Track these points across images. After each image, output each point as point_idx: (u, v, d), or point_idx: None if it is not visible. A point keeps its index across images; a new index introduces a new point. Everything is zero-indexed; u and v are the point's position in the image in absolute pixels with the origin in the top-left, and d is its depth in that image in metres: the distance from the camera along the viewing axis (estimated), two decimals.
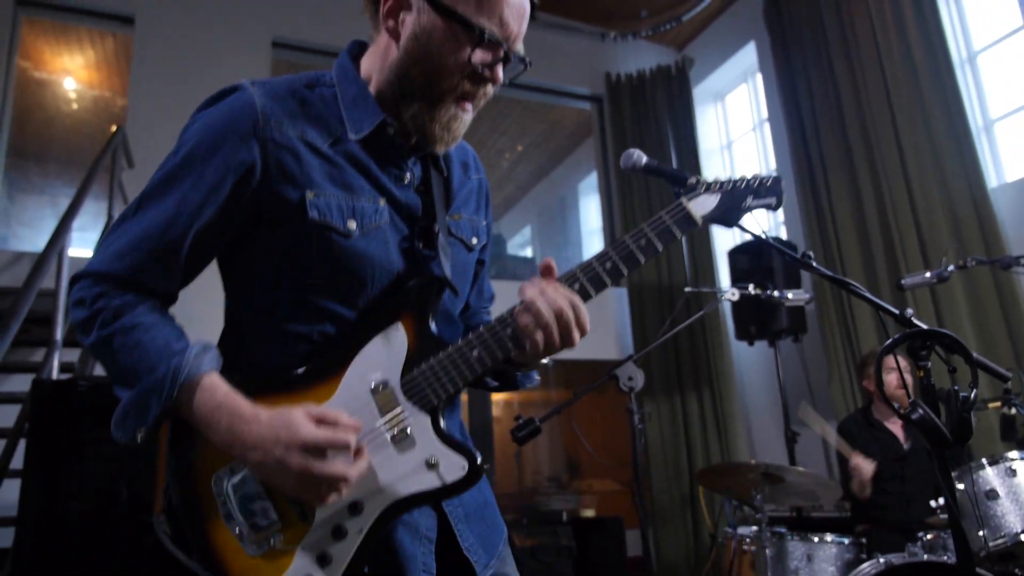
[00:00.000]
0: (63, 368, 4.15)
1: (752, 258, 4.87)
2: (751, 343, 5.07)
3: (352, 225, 1.13)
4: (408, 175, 1.21)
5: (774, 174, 1.36)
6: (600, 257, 1.16)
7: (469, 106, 1.18)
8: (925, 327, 1.52)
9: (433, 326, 1.14)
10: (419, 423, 1.10)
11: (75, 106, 7.91)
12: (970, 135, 4.49)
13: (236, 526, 1.05)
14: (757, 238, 1.49)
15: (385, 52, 1.19)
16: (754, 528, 3.38)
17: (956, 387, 1.50)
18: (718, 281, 6.21)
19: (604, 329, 6.39)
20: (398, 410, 1.10)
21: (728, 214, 1.26)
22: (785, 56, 5.81)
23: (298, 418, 1.02)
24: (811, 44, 5.58)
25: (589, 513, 5.63)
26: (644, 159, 1.55)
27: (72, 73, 7.41)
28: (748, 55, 6.61)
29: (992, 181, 4.58)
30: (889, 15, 4.97)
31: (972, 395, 1.48)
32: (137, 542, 2.83)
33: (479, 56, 1.13)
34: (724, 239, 6.41)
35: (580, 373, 7.00)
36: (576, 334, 1.10)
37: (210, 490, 1.07)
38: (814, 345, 5.29)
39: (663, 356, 6.29)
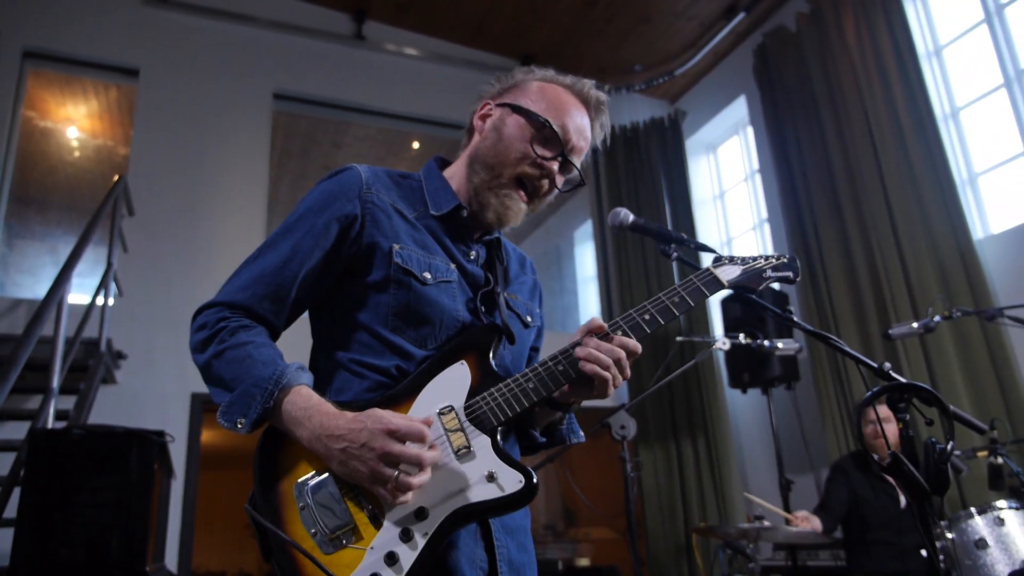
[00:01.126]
0: (58, 416, 4.17)
1: (744, 307, 4.94)
2: (744, 391, 5.11)
3: (427, 276, 1.33)
4: (474, 253, 1.43)
5: (789, 254, 1.55)
6: (638, 309, 1.34)
7: (525, 196, 1.41)
8: (903, 380, 1.57)
9: (494, 364, 1.29)
10: (480, 442, 1.22)
11: (77, 155, 8.04)
12: (955, 188, 4.61)
13: (313, 527, 1.15)
14: (746, 296, 1.56)
15: (469, 150, 1.48)
16: None
17: (933, 439, 1.56)
18: (711, 329, 6.27)
19: None
20: (461, 429, 1.22)
21: (750, 281, 1.45)
22: (774, 110, 5.98)
23: (382, 411, 1.15)
24: (799, 99, 5.74)
25: (585, 562, 5.60)
26: (631, 218, 1.64)
27: (75, 122, 7.55)
28: (739, 108, 6.79)
29: (978, 233, 4.69)
30: (874, 72, 5.14)
31: (948, 447, 1.54)
32: None
33: (539, 149, 1.39)
34: None
35: None
36: (625, 372, 1.28)
37: (291, 494, 1.18)
38: (807, 392, 5.34)
39: (658, 404, 6.32)
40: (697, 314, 6.25)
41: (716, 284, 1.40)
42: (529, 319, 1.49)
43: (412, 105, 6.86)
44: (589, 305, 7.73)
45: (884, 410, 3.85)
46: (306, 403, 1.17)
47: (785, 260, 1.50)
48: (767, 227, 6.37)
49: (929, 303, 4.46)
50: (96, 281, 4.84)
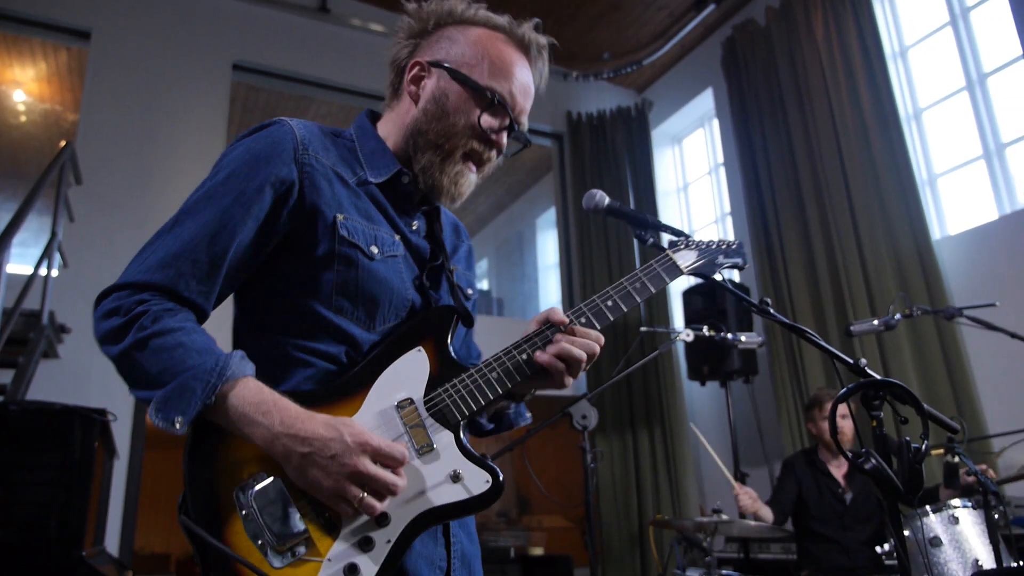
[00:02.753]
0: None
1: (706, 299, 4.93)
2: (703, 383, 5.11)
3: (374, 249, 1.22)
4: (416, 223, 1.33)
5: (738, 240, 1.53)
6: (602, 295, 1.29)
7: (475, 167, 1.32)
8: (878, 377, 1.54)
9: (452, 351, 1.20)
10: (442, 438, 1.14)
11: (23, 119, 7.69)
12: (916, 188, 4.65)
13: (259, 537, 1.03)
14: (717, 283, 1.51)
15: (404, 115, 1.33)
16: (703, 571, 3.37)
17: (907, 438, 1.52)
18: (672, 321, 6.27)
19: None
20: (422, 425, 1.14)
21: (705, 267, 1.42)
22: (741, 103, 5.97)
23: (359, 425, 1.06)
24: (766, 93, 5.74)
25: (538, 551, 5.56)
26: (606, 200, 1.58)
27: (22, 85, 7.21)
28: (706, 101, 6.78)
29: (936, 233, 4.74)
30: (841, 69, 5.15)
31: (923, 446, 1.51)
32: None
33: (487, 120, 1.29)
34: (678, 280, 6.50)
35: (533, 409, 6.97)
36: (584, 366, 1.22)
37: (231, 499, 1.05)
38: (764, 387, 5.36)
39: (616, 394, 6.30)
40: (658, 306, 6.24)
41: (674, 270, 1.38)
42: (470, 291, 1.40)
43: (376, 82, 6.64)
44: (550, 292, 7.68)
45: (841, 407, 3.87)
46: (257, 397, 1.05)
47: (734, 246, 1.49)
48: (729, 220, 6.38)
49: (888, 301, 4.50)
50: (40, 251, 4.60)
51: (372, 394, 1.14)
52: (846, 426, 3.81)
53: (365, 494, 1.02)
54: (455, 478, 1.11)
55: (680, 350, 5.90)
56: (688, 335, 3.38)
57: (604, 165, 7.03)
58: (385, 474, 1.03)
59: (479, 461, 1.13)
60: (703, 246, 1.44)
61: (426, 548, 1.18)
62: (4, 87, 7.24)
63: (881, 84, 4.92)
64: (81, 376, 4.87)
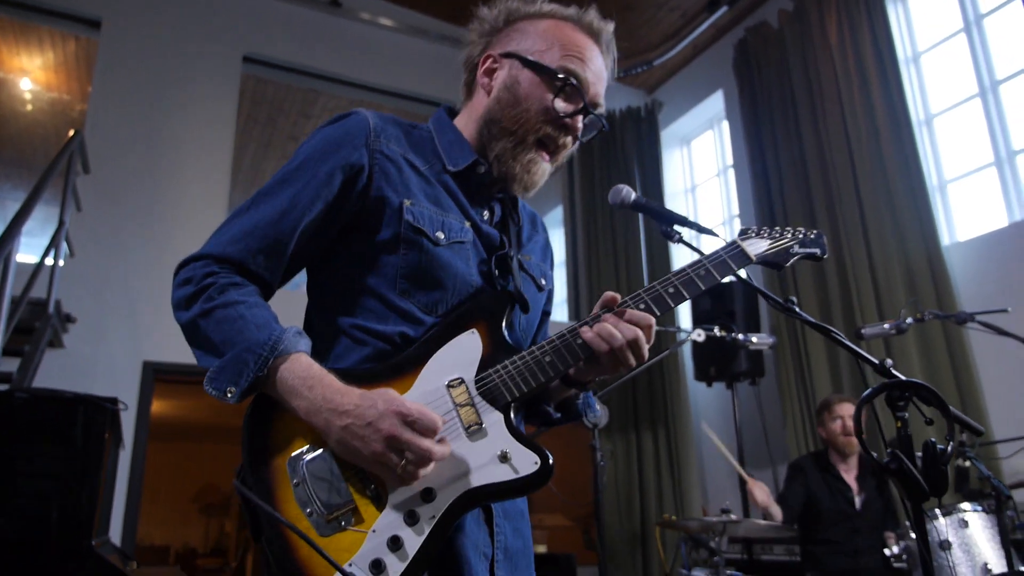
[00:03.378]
0: (1, 378, 3.95)
1: (714, 300, 4.93)
2: (710, 384, 5.11)
3: (440, 235, 1.24)
4: (488, 212, 1.35)
5: (817, 230, 1.49)
6: (662, 282, 1.26)
7: (548, 156, 1.32)
8: (904, 378, 1.53)
9: (506, 334, 1.20)
10: (492, 418, 1.14)
11: (30, 108, 7.67)
12: (927, 193, 4.65)
13: (309, 506, 1.06)
14: (744, 281, 1.51)
15: (478, 107, 1.36)
16: (710, 571, 3.37)
17: (933, 440, 1.52)
18: (678, 322, 6.26)
19: None
20: (472, 404, 1.14)
21: (778, 257, 1.40)
22: (752, 106, 5.97)
23: (395, 393, 1.07)
24: (777, 96, 5.74)
25: (541, 549, 5.56)
26: (633, 195, 1.57)
27: (30, 74, 7.20)
28: (716, 102, 6.77)
29: (945, 239, 4.74)
30: (854, 73, 5.15)
31: (949, 448, 1.50)
32: (66, 569, 2.66)
33: (560, 104, 1.29)
34: None
35: None
36: (644, 351, 1.20)
37: (284, 469, 1.09)
38: (770, 389, 5.36)
39: (621, 394, 6.30)
40: None
41: (743, 258, 1.34)
42: (543, 282, 1.42)
43: (384, 77, 6.68)
44: (556, 291, 7.67)
45: (847, 408, 3.88)
46: (306, 372, 1.08)
47: (812, 235, 1.45)
48: (737, 223, 6.38)
49: (897, 306, 4.50)
50: (47, 240, 4.59)
51: (424, 374, 1.15)
52: (851, 429, 3.82)
53: (404, 461, 1.03)
54: (503, 458, 1.10)
55: (687, 351, 5.90)
56: (700, 335, 3.38)
57: (612, 164, 7.02)
58: (420, 439, 1.03)
59: (528, 442, 1.12)
60: (777, 235, 1.42)
61: (474, 534, 1.18)
62: (11, 75, 7.23)
63: (894, 89, 4.91)
64: (86, 366, 4.87)
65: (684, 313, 6.32)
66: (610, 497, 6.03)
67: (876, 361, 1.54)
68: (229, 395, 1.07)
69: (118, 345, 5.02)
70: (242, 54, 6.12)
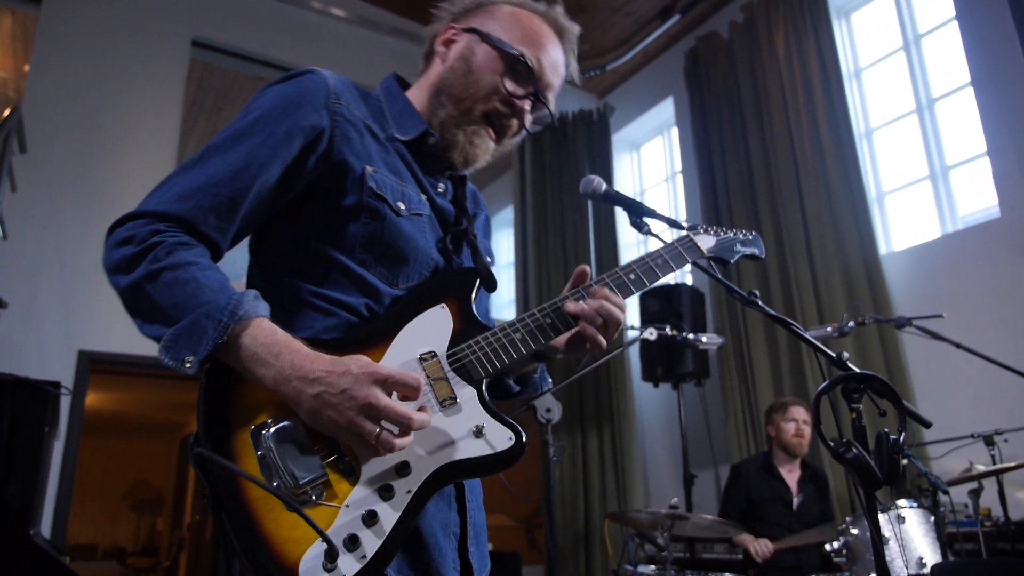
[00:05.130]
0: None
1: (663, 301, 5.01)
2: (656, 385, 5.19)
3: (401, 206, 1.21)
4: (442, 186, 1.33)
5: (753, 232, 1.59)
6: (624, 268, 1.32)
7: (493, 133, 1.32)
8: (860, 371, 1.59)
9: (475, 310, 1.20)
10: (465, 393, 1.13)
11: None
12: (866, 204, 4.83)
13: (275, 478, 1.00)
14: (713, 275, 1.54)
15: (431, 76, 1.35)
16: (656, 567, 3.42)
17: (886, 430, 1.58)
18: (626, 321, 6.35)
19: None
20: (445, 378, 1.13)
21: (724, 252, 1.47)
22: (701, 113, 6.10)
23: (368, 359, 1.02)
24: (726, 105, 5.88)
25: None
26: (604, 186, 1.60)
27: None
28: (666, 109, 6.89)
29: (882, 248, 4.93)
30: (799, 86, 5.31)
31: (901, 438, 1.57)
32: (2, 557, 2.54)
33: (511, 84, 1.30)
34: None
35: None
36: (613, 332, 1.25)
37: (247, 442, 1.03)
38: (714, 390, 5.48)
39: (566, 393, 6.34)
40: None
41: (695, 251, 1.42)
42: (488, 259, 1.41)
43: (335, 68, 6.44)
44: (503, 291, 7.68)
45: (799, 411, 4.00)
46: (270, 338, 1.03)
47: (751, 236, 1.54)
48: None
49: (836, 310, 4.66)
50: None
51: (394, 346, 1.13)
52: (806, 431, 3.95)
53: (381, 430, 0.99)
54: (478, 433, 1.10)
55: (633, 351, 5.98)
56: (652, 333, 3.44)
57: (564, 166, 7.08)
58: (399, 405, 1.00)
59: (502, 418, 1.12)
60: (722, 233, 1.49)
61: (440, 512, 1.17)
62: None
63: (837, 102, 5.09)
64: (16, 354, 4.65)
65: (631, 313, 6.41)
66: (555, 496, 6.05)
67: (834, 355, 1.60)
68: (187, 365, 1.00)
69: (52, 332, 4.82)
70: (191, 37, 5.95)
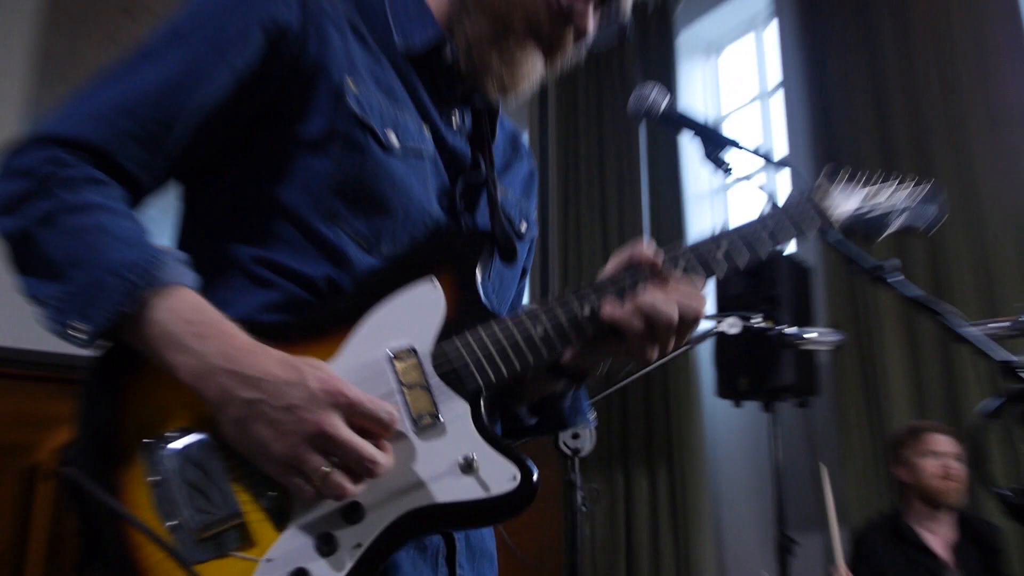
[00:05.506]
0: None
1: (749, 278, 4.96)
2: (738, 403, 5.15)
3: (392, 138, 1.24)
4: (457, 117, 1.37)
5: (928, 184, 1.58)
6: (707, 241, 1.33)
7: (541, 51, 1.35)
8: None
9: (481, 291, 1.22)
10: (453, 410, 1.15)
11: None
12: None
13: (173, 517, 1.04)
14: (843, 246, 1.50)
15: None
16: None
17: None
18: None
19: None
20: (425, 387, 1.15)
21: (873, 224, 1.48)
22: (811, 1, 6.01)
23: (331, 370, 1.06)
24: None
25: None
26: (664, 101, 1.59)
27: None
28: None
29: None
30: None
31: None
32: None
33: None
34: None
35: None
36: (681, 337, 1.26)
37: (138, 462, 1.07)
38: (826, 413, 5.45)
39: (603, 411, 6.32)
40: None
41: (823, 221, 1.43)
42: (524, 227, 1.47)
43: None
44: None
45: (944, 442, 3.95)
46: (195, 315, 1.08)
47: (924, 192, 1.53)
48: (785, 172, 6.43)
49: (1009, 296, 4.59)
50: None
51: (357, 336, 1.16)
52: (953, 471, 3.89)
53: (331, 468, 1.02)
54: (467, 467, 1.11)
55: (704, 354, 5.93)
56: (733, 325, 3.40)
57: (606, 80, 7.04)
58: (362, 443, 1.04)
59: (504, 447, 1.13)
60: (872, 189, 1.50)
61: (418, 573, 1.20)
62: None
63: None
64: None
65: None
66: (586, 563, 6.06)
67: (1008, 360, 1.56)
68: (77, 334, 1.04)
69: None
70: None
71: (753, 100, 7.07)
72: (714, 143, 1.52)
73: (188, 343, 1.05)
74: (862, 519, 4.79)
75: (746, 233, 1.35)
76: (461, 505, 1.10)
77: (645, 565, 6.06)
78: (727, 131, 1.50)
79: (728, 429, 6.26)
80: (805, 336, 3.52)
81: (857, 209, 1.46)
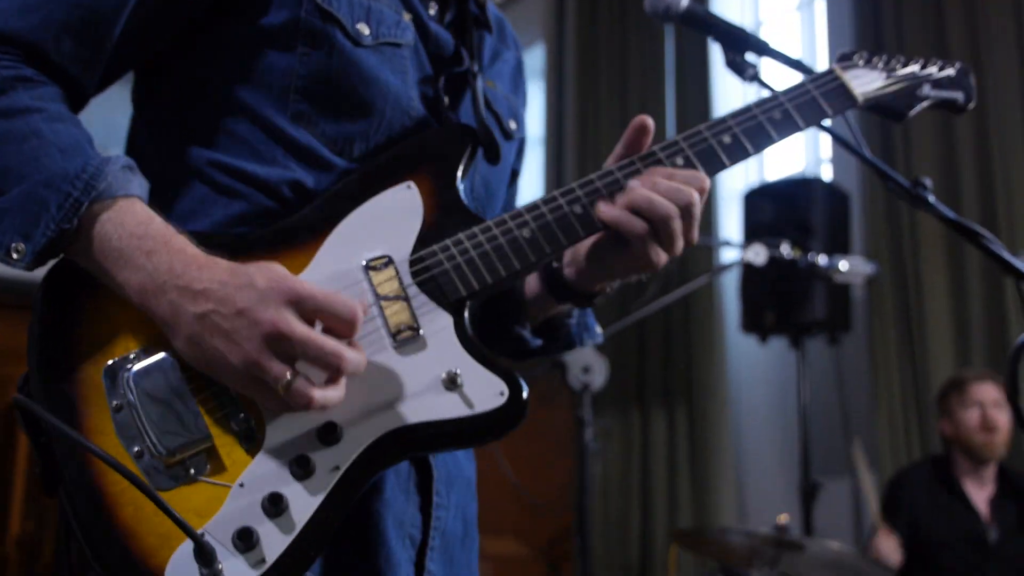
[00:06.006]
0: None
1: (779, 204, 4.94)
2: (764, 339, 5.16)
3: (364, 30, 1.22)
4: (437, 5, 1.35)
5: (961, 64, 1.53)
6: (714, 127, 1.31)
7: None
8: None
9: (462, 192, 1.22)
10: (434, 322, 1.14)
11: None
12: None
13: (137, 442, 1.04)
14: (853, 150, 1.49)
15: None
16: None
17: None
18: (717, 233, 6.25)
19: None
20: (404, 298, 1.14)
21: (898, 102, 1.44)
22: None
23: (282, 268, 1.05)
24: None
25: None
26: (685, 1, 1.55)
27: None
28: None
29: None
30: None
31: None
32: None
33: None
34: (732, 173, 6.48)
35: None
36: (695, 230, 1.25)
37: (99, 386, 1.06)
38: (857, 350, 5.47)
39: (617, 345, 6.32)
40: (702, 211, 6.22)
41: (844, 98, 1.39)
42: (512, 125, 1.44)
43: None
44: (526, 182, 7.65)
45: (987, 389, 3.95)
46: (141, 228, 1.06)
47: (953, 71, 1.49)
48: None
49: None
50: None
51: (328, 245, 1.16)
52: (999, 420, 3.90)
53: (294, 374, 1.01)
54: (450, 383, 1.11)
55: (728, 285, 5.93)
56: (758, 254, 3.39)
57: None
58: (322, 337, 1.02)
59: (490, 362, 1.13)
60: (896, 64, 1.45)
61: (396, 502, 1.21)
62: None
63: None
64: None
65: (728, 223, 6.34)
66: (596, 510, 6.11)
67: None
68: (16, 255, 1.02)
69: None
70: None
71: (796, 8, 6.97)
72: (736, 45, 1.49)
73: (134, 259, 1.04)
74: (894, 464, 4.83)
75: (756, 114, 1.33)
76: (444, 424, 1.09)
77: (661, 509, 6.11)
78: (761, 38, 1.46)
79: (752, 366, 6.28)
80: (836, 266, 3.50)
81: (879, 87, 1.42)
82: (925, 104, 1.46)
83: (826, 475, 5.08)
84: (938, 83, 1.46)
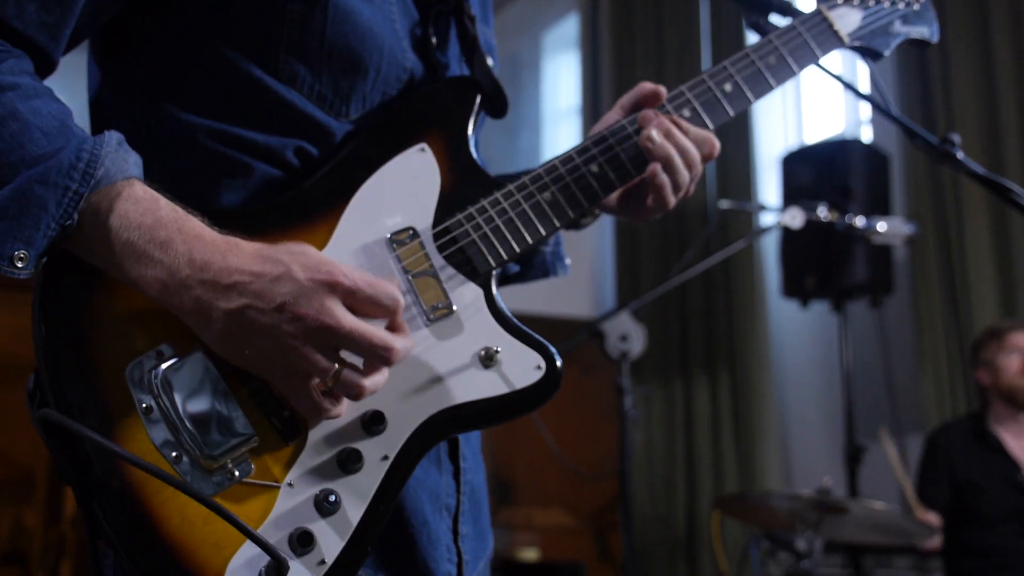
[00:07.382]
0: None
1: (818, 167, 4.92)
2: (805, 303, 5.15)
3: None
4: None
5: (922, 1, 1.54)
6: (714, 74, 1.30)
7: None
8: None
9: (475, 152, 1.19)
10: (465, 296, 1.12)
11: None
12: None
13: (173, 447, 0.97)
14: (879, 108, 1.51)
15: None
16: None
17: None
18: (757, 197, 6.24)
19: (573, 269, 6.40)
20: (433, 273, 1.11)
21: (876, 39, 1.45)
22: None
23: (314, 250, 0.99)
24: None
25: (531, 554, 5.70)
26: None
27: None
28: None
29: None
30: None
31: None
32: None
33: None
34: (771, 137, 6.47)
35: (541, 330, 7.00)
36: (687, 181, 1.26)
37: (123, 387, 0.98)
38: (901, 312, 5.46)
39: (658, 318, 6.34)
40: (737, 175, 6.23)
41: (830, 39, 1.40)
42: (490, 60, 1.35)
43: None
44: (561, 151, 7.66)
45: (1016, 337, 3.95)
46: (151, 216, 0.97)
47: (915, 6, 1.51)
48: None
49: None
50: None
51: (347, 217, 1.11)
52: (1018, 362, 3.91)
53: (339, 367, 0.97)
54: (488, 359, 1.08)
55: (769, 248, 5.92)
56: (796, 217, 3.39)
57: None
58: (372, 328, 0.97)
59: (524, 335, 1.11)
60: (870, 3, 1.46)
61: (429, 477, 1.19)
62: None
63: None
64: None
65: (767, 187, 6.32)
66: (640, 477, 6.15)
67: None
68: (20, 264, 0.93)
69: None
70: None
71: None
72: (759, 7, 1.50)
73: (150, 252, 0.95)
74: (937, 422, 4.84)
75: (752, 60, 1.33)
76: (486, 402, 1.07)
77: (706, 475, 6.16)
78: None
79: (794, 331, 6.28)
80: (875, 227, 3.50)
81: (859, 26, 1.43)
82: (898, 41, 1.49)
83: (871, 437, 5.09)
84: (906, 18, 1.49)
